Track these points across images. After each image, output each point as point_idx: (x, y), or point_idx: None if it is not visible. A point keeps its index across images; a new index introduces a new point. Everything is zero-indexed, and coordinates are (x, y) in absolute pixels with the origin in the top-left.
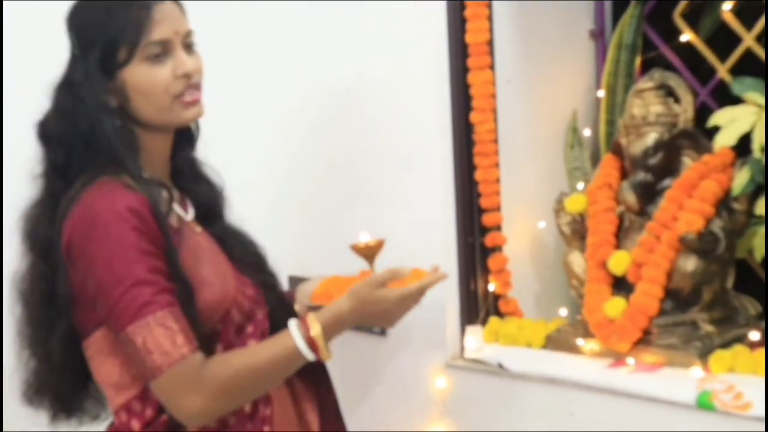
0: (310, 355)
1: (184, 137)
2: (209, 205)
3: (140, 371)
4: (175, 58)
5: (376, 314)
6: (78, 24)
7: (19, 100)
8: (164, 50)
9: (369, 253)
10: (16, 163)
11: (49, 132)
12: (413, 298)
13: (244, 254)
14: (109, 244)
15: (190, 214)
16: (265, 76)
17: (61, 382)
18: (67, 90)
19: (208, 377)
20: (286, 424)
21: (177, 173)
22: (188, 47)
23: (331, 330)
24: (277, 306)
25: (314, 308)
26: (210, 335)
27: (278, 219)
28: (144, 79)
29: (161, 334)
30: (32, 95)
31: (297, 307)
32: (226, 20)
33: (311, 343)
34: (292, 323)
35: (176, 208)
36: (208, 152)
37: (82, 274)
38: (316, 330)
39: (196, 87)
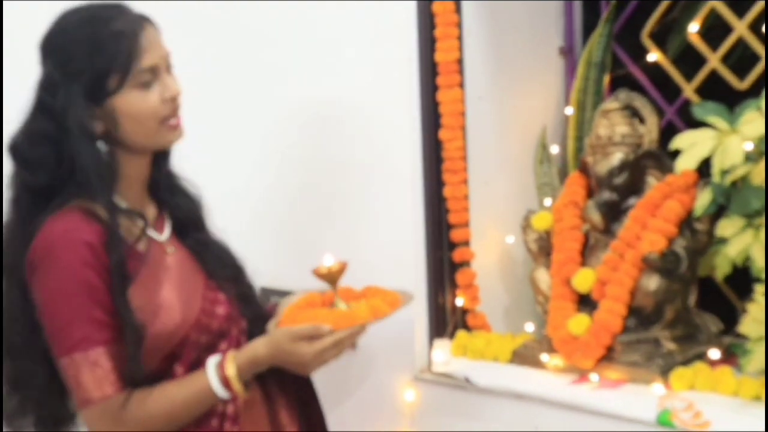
0: (224, 394)
1: (160, 155)
2: (187, 217)
3: (74, 398)
4: (162, 82)
5: (290, 363)
6: (61, 51)
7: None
8: (153, 76)
9: (331, 277)
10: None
11: (26, 155)
12: (330, 351)
13: (220, 266)
14: (57, 274)
15: (165, 233)
16: (244, 95)
17: (43, 398)
18: (47, 115)
19: (125, 419)
20: None
21: (154, 187)
22: (168, 69)
23: (246, 370)
24: (254, 321)
25: None
26: (169, 357)
27: (253, 231)
28: (135, 105)
29: (91, 372)
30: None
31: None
32: (201, 39)
33: (226, 383)
34: (211, 362)
35: (149, 231)
36: (188, 166)
37: (36, 298)
38: (231, 370)
39: (178, 110)
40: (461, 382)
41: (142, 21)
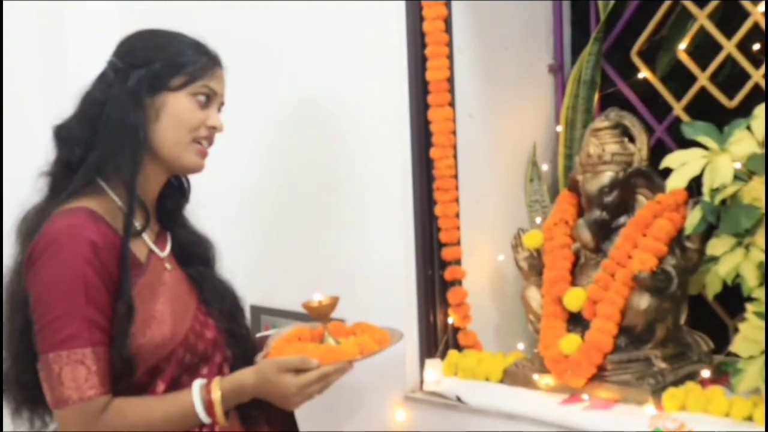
0: (205, 418)
1: (175, 185)
2: (192, 249)
3: (48, 396)
4: (212, 111)
5: (275, 395)
6: (137, 44)
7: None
8: (208, 100)
9: (321, 312)
10: (17, 165)
11: (68, 134)
12: (315, 385)
13: (217, 299)
14: (56, 267)
15: (166, 251)
16: (237, 116)
17: (21, 375)
18: (98, 95)
19: (102, 424)
20: None
21: (164, 216)
22: (220, 109)
23: (231, 398)
24: (242, 356)
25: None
26: (152, 370)
27: (242, 247)
28: (183, 108)
29: (76, 370)
30: (32, 102)
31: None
32: None
33: (209, 407)
34: (197, 384)
35: (147, 239)
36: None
37: (30, 290)
38: (216, 395)
39: (212, 143)
40: (452, 402)
41: (218, 60)
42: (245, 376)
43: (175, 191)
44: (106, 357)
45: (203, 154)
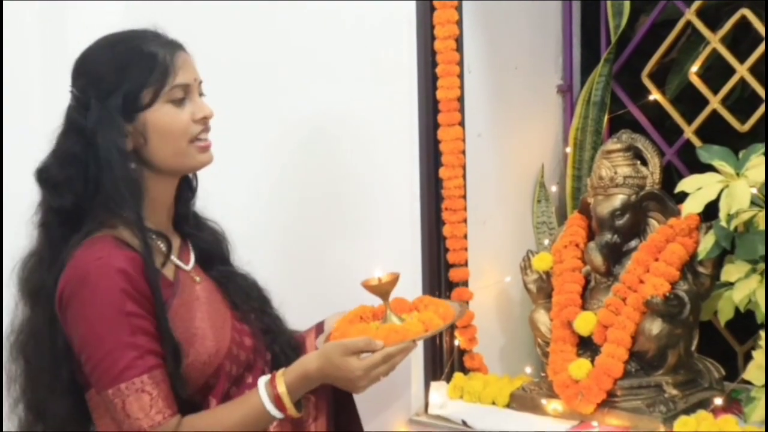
0: (277, 414)
1: (186, 186)
2: (212, 250)
3: (120, 429)
4: (194, 102)
5: (340, 379)
6: (92, 71)
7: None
8: (185, 94)
9: (382, 290)
10: (18, 165)
11: (54, 178)
12: (380, 367)
13: (245, 299)
14: (95, 304)
15: (190, 264)
16: (242, 127)
17: (54, 408)
18: (76, 135)
19: None
20: None
21: (181, 220)
22: (200, 92)
23: (297, 388)
24: (282, 352)
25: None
26: (203, 388)
27: (249, 265)
28: (166, 119)
29: (139, 400)
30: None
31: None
32: (202, 58)
33: (278, 402)
34: (262, 381)
35: (174, 259)
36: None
37: (70, 330)
38: (281, 387)
39: (209, 132)
40: (458, 426)
41: (176, 45)
42: (309, 362)
43: (185, 191)
44: (165, 378)
45: (206, 148)
